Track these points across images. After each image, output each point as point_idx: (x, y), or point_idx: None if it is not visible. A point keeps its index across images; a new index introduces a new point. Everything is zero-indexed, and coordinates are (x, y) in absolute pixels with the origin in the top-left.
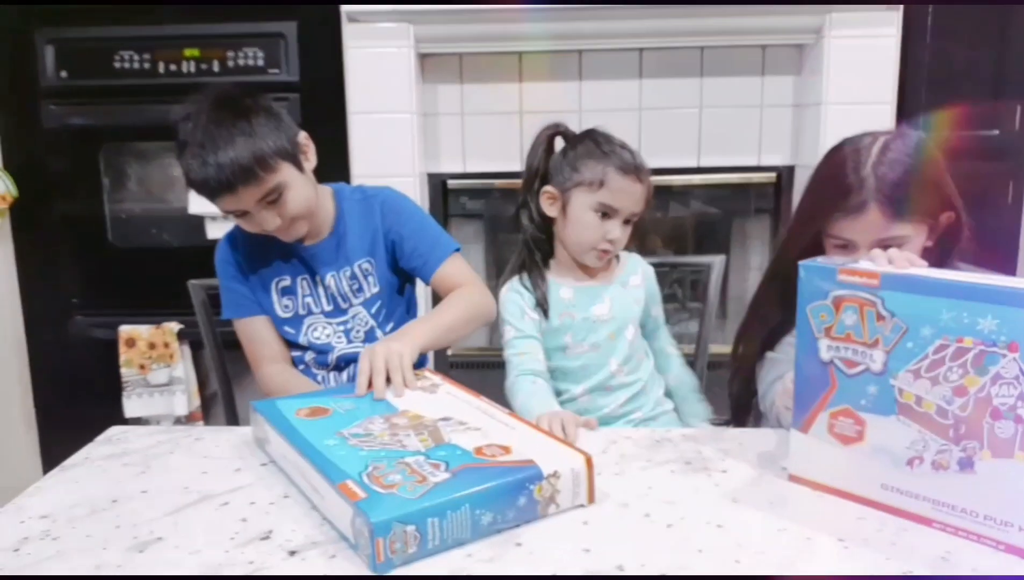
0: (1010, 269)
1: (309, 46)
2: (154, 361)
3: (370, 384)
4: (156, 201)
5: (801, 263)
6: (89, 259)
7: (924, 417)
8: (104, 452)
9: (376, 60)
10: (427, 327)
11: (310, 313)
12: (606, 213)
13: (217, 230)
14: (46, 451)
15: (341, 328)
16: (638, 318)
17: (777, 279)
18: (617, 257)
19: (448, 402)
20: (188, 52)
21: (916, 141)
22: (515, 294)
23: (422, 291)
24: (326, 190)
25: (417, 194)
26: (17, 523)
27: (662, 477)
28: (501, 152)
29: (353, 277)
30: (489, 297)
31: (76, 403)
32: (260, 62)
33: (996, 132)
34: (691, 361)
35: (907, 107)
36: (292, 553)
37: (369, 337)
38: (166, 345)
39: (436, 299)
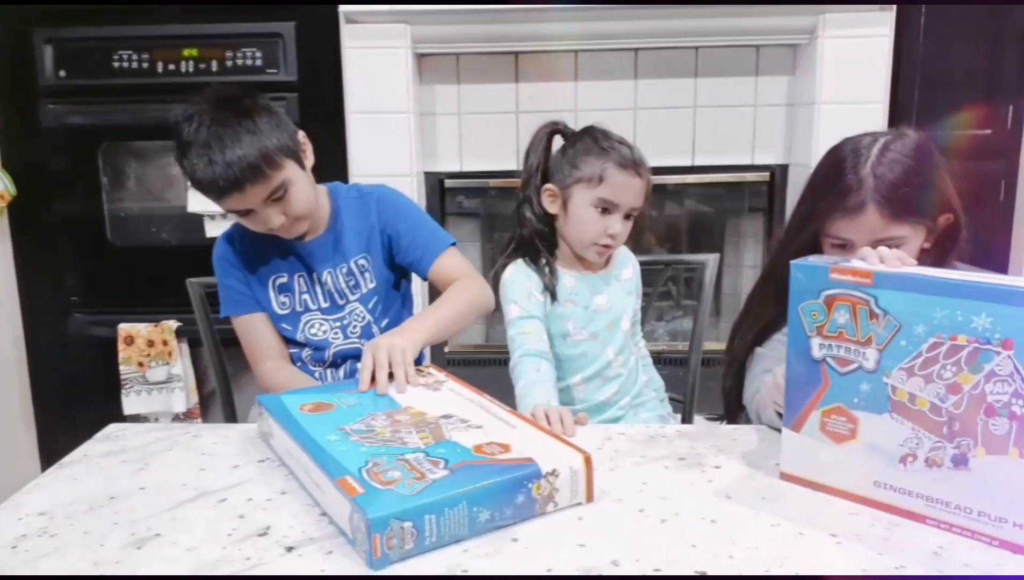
0: (1002, 268)
1: (307, 46)
2: (153, 359)
3: (373, 379)
4: (155, 200)
5: (793, 262)
6: (88, 257)
7: (918, 414)
8: (102, 449)
9: (374, 60)
10: (429, 322)
11: (307, 310)
12: (606, 209)
13: (215, 228)
14: (45, 448)
15: (338, 324)
16: (631, 310)
17: (773, 277)
18: None
19: (451, 399)
20: (187, 52)
21: (917, 142)
22: (522, 275)
23: (418, 287)
24: (322, 189)
25: (414, 193)
26: (15, 520)
27: (656, 473)
28: (498, 151)
29: (350, 273)
30: (487, 289)
31: (75, 400)
32: (258, 62)
33: (988, 132)
34: (685, 358)
35: (900, 107)
36: (289, 549)
37: (365, 333)
38: (165, 343)
39: (432, 294)
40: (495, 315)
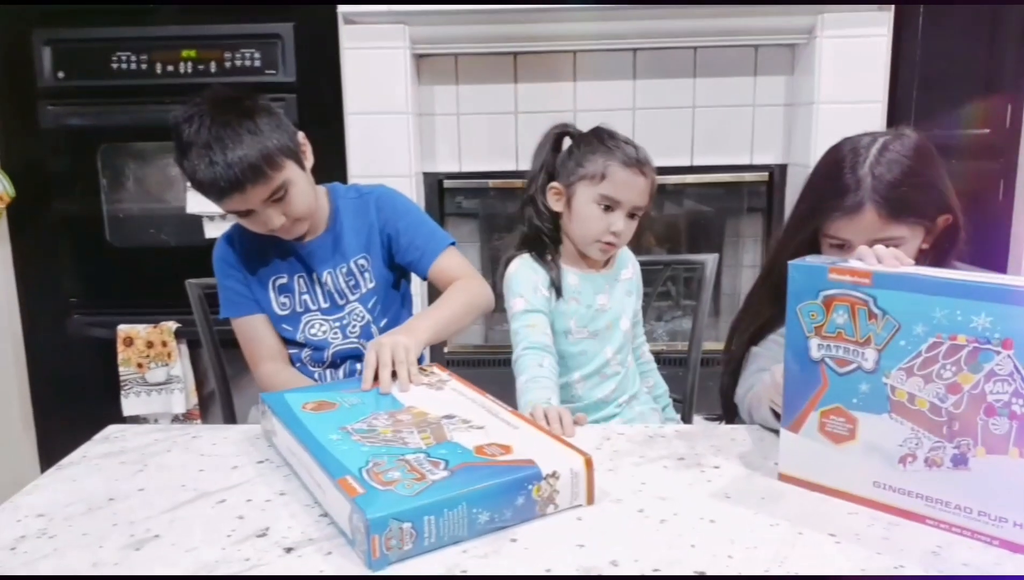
0: (1001, 267)
1: (306, 47)
2: (152, 360)
3: (376, 378)
4: (154, 201)
5: (791, 262)
6: (87, 259)
7: (917, 414)
8: (101, 450)
9: (372, 61)
10: (431, 321)
11: (307, 310)
12: (609, 206)
13: (215, 229)
14: (44, 450)
15: (337, 324)
16: (631, 310)
17: (771, 277)
18: None
19: (453, 399)
20: (185, 53)
21: (916, 143)
22: (528, 269)
23: (417, 287)
24: (321, 189)
25: (413, 193)
26: (14, 521)
27: (655, 473)
28: (496, 152)
29: (349, 273)
30: (487, 289)
31: (74, 402)
32: (257, 63)
33: (987, 131)
34: (684, 358)
35: (898, 107)
36: (288, 550)
37: (365, 333)
38: (164, 344)
39: (432, 293)
40: (495, 315)
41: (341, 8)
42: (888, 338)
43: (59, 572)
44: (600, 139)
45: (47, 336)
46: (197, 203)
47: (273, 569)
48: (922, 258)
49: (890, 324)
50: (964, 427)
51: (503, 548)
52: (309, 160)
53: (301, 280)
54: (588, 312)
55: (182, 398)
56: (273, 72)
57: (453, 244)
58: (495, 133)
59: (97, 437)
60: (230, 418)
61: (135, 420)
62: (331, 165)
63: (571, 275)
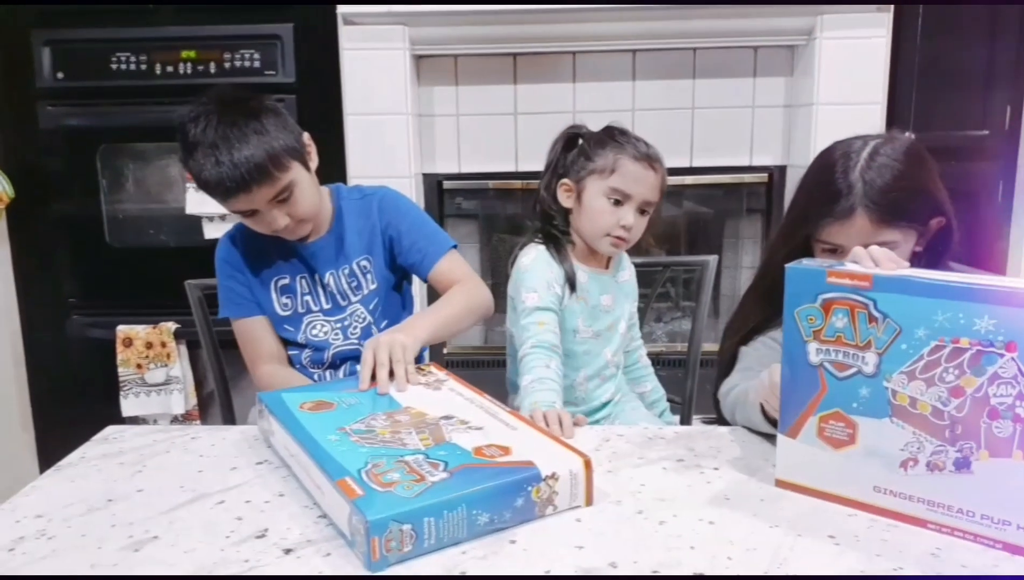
0: (1000, 268)
1: (305, 48)
2: (151, 361)
3: (374, 377)
4: (153, 201)
5: (788, 266)
6: (86, 259)
7: (919, 418)
8: (100, 451)
9: (372, 62)
10: (429, 320)
11: (309, 311)
12: (618, 200)
13: (214, 230)
14: (43, 451)
15: (339, 325)
16: (628, 312)
17: (764, 280)
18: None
19: (452, 399)
20: (184, 54)
21: (907, 146)
22: (543, 264)
23: (417, 289)
24: (324, 190)
25: (413, 194)
26: (13, 523)
27: (655, 474)
28: (496, 153)
29: (352, 275)
30: (487, 293)
31: (73, 403)
32: (256, 64)
33: (986, 132)
34: (683, 359)
35: (897, 107)
36: (287, 551)
37: (365, 334)
38: (163, 345)
39: (432, 296)
40: (495, 317)
41: (340, 9)
42: (889, 342)
43: (58, 573)
44: (611, 135)
45: (46, 337)
46: (196, 204)
47: (272, 570)
48: (915, 261)
49: (891, 328)
50: (967, 431)
51: (502, 549)
52: (314, 161)
53: (303, 281)
54: (594, 312)
55: (181, 399)
56: (272, 73)
57: (455, 247)
58: (494, 134)
59: (96, 438)
60: (229, 419)
61: (134, 421)
62: (330, 166)
63: (580, 273)
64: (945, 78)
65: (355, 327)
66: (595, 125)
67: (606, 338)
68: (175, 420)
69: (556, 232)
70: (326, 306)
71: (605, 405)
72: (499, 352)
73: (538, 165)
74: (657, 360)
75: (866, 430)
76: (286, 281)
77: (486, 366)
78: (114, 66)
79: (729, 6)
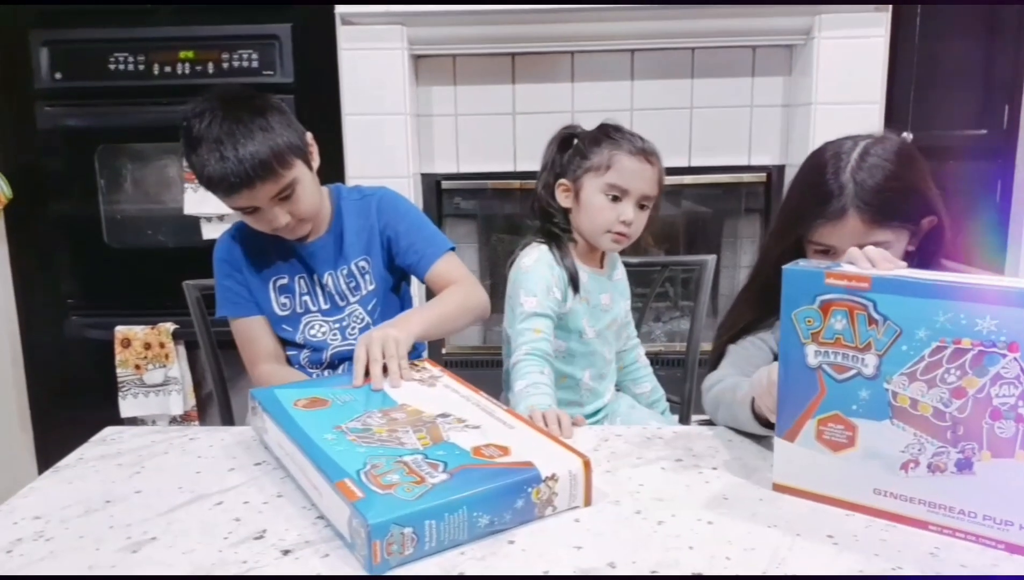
0: (999, 267)
1: (303, 48)
2: (149, 361)
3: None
4: (151, 202)
5: (785, 268)
6: (85, 260)
7: (920, 420)
8: (98, 452)
9: (370, 62)
10: (423, 316)
11: (307, 311)
12: (616, 196)
13: (212, 230)
14: (41, 452)
15: (337, 326)
16: (623, 311)
17: (756, 281)
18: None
19: (447, 397)
20: (183, 54)
21: (898, 145)
22: (545, 266)
23: (416, 290)
24: (324, 190)
25: (411, 194)
26: (11, 524)
27: (653, 474)
28: (495, 153)
29: (350, 275)
30: (483, 294)
31: (72, 404)
32: (255, 64)
33: (984, 132)
34: (682, 359)
35: (896, 107)
36: (285, 552)
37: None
38: (161, 345)
39: (430, 297)
40: (493, 317)
41: (339, 9)
42: (889, 343)
43: (56, 574)
44: (606, 133)
45: (44, 337)
46: (195, 204)
47: (270, 571)
48: (908, 260)
49: (891, 329)
50: (969, 431)
51: (501, 550)
52: (316, 160)
53: (302, 281)
54: (595, 312)
55: (180, 400)
56: (271, 73)
57: (453, 249)
58: (493, 134)
59: (94, 439)
60: (228, 420)
61: (133, 422)
62: (329, 166)
63: (582, 272)
64: (943, 78)
65: (353, 328)
66: (593, 125)
67: (606, 337)
68: (173, 421)
69: (557, 230)
70: (324, 306)
71: (606, 406)
72: (497, 352)
73: (537, 165)
74: (656, 360)
75: (866, 432)
76: (285, 281)
77: (485, 366)
78: (112, 66)
79: (727, 6)
